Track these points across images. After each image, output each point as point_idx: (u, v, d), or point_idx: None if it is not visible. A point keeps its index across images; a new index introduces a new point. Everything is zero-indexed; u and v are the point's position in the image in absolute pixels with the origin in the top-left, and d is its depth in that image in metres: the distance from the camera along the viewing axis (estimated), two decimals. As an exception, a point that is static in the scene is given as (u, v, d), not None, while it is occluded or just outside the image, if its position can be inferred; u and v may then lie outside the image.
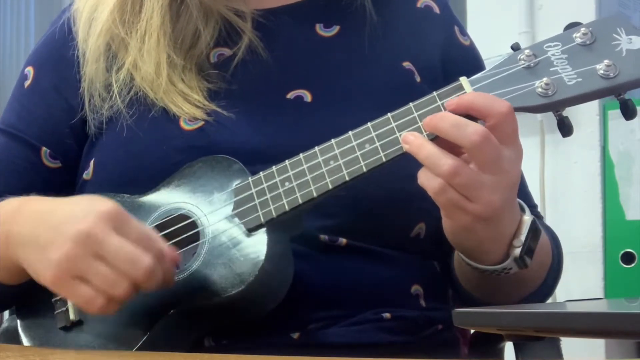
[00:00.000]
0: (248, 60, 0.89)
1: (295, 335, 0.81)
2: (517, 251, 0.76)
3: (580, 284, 1.90)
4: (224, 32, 0.91)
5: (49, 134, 0.92)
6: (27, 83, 0.95)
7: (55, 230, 0.72)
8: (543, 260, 0.86)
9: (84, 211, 0.72)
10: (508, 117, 0.72)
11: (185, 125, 0.85)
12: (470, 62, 0.99)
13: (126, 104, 0.87)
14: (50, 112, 0.93)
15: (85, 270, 0.70)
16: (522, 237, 0.76)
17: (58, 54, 0.94)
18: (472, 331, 0.98)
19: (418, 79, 0.93)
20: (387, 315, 0.84)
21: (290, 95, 0.88)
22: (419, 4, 0.98)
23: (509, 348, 0.93)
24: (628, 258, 1.92)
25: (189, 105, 0.85)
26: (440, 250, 0.92)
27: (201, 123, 0.85)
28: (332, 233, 0.83)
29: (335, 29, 0.93)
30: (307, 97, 0.88)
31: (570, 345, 0.81)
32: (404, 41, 0.95)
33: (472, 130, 0.71)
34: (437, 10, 0.99)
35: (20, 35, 3.82)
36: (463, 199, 0.72)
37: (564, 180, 2.00)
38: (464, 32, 1.00)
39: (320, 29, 0.93)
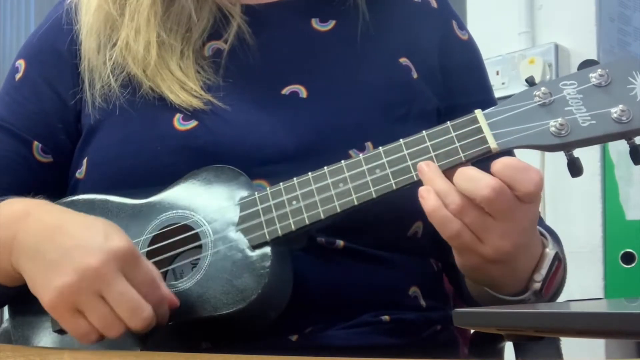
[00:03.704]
0: (238, 47, 0.89)
1: (294, 338, 0.80)
2: (538, 285, 0.76)
3: (580, 284, 1.90)
4: (218, 21, 0.90)
5: (41, 128, 0.91)
6: (18, 76, 0.94)
7: (63, 254, 0.71)
8: (556, 282, 0.84)
9: (98, 244, 0.71)
10: (532, 194, 0.71)
11: (179, 126, 0.84)
12: (468, 58, 0.98)
13: (119, 84, 0.87)
14: (41, 105, 0.92)
15: (85, 305, 0.70)
16: (544, 272, 0.76)
17: (51, 47, 0.93)
18: (472, 331, 0.98)
19: (415, 75, 0.92)
20: (385, 317, 0.83)
21: (286, 90, 0.87)
22: None
23: (509, 348, 0.93)
24: (628, 258, 1.92)
25: (185, 94, 0.84)
26: (438, 248, 0.92)
27: (195, 123, 0.84)
28: (329, 235, 0.82)
29: (332, 23, 0.93)
30: (303, 92, 0.87)
31: (570, 345, 0.80)
32: (401, 37, 0.94)
33: (484, 185, 0.70)
34: (434, 4, 0.98)
35: (20, 35, 3.82)
36: (475, 241, 0.72)
37: (564, 180, 2.00)
38: (462, 27, 0.99)
39: (316, 24, 0.93)
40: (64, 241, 0.72)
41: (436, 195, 0.72)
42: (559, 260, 0.78)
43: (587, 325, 0.51)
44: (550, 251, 0.77)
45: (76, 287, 0.70)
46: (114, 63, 0.87)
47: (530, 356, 0.85)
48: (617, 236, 1.95)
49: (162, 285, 0.73)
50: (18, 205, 0.80)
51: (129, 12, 0.89)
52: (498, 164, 0.72)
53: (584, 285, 1.92)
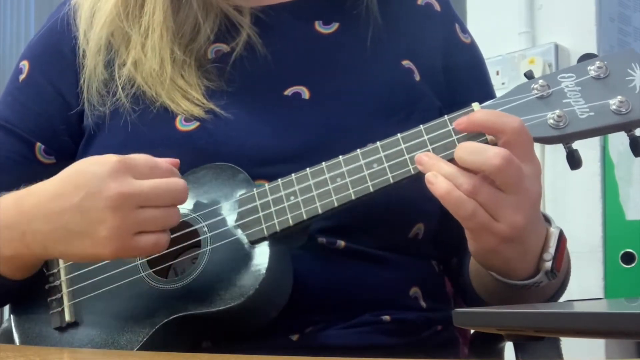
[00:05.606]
0: (245, 56, 0.89)
1: (294, 337, 0.80)
2: (548, 265, 0.75)
3: (580, 284, 1.90)
4: (223, 27, 0.90)
5: (44, 129, 0.91)
6: (22, 77, 0.94)
7: (81, 212, 0.71)
8: (564, 265, 0.84)
9: (96, 178, 0.71)
10: (521, 131, 0.71)
11: (180, 126, 0.84)
12: (471, 61, 0.98)
13: (130, 100, 0.87)
14: (44, 106, 0.92)
15: (138, 224, 0.71)
16: (552, 250, 0.76)
17: (54, 49, 0.93)
18: (472, 331, 0.98)
19: (417, 77, 0.92)
20: (386, 317, 0.83)
21: (288, 92, 0.87)
22: (419, 2, 0.98)
23: (509, 348, 0.93)
24: (628, 258, 1.92)
25: (187, 103, 0.85)
26: (439, 250, 0.92)
27: (197, 124, 0.84)
28: (330, 235, 0.82)
29: (335, 26, 0.93)
30: (305, 93, 0.87)
31: (570, 345, 0.80)
32: (404, 39, 0.94)
33: (493, 154, 0.69)
34: (437, 7, 0.98)
35: (20, 35, 3.82)
36: (490, 219, 0.71)
37: (564, 180, 2.00)
38: (464, 30, 1.00)
39: (319, 26, 0.93)
40: (71, 202, 0.72)
41: (445, 179, 0.71)
42: (564, 239, 0.78)
43: (587, 325, 0.51)
44: (555, 230, 0.77)
45: (118, 223, 0.70)
46: (124, 80, 0.87)
47: (530, 356, 0.85)
48: (617, 236, 1.95)
49: (160, 159, 0.75)
50: (5, 204, 0.79)
51: (141, 28, 0.88)
52: (478, 112, 0.73)
53: (584, 285, 1.92)
